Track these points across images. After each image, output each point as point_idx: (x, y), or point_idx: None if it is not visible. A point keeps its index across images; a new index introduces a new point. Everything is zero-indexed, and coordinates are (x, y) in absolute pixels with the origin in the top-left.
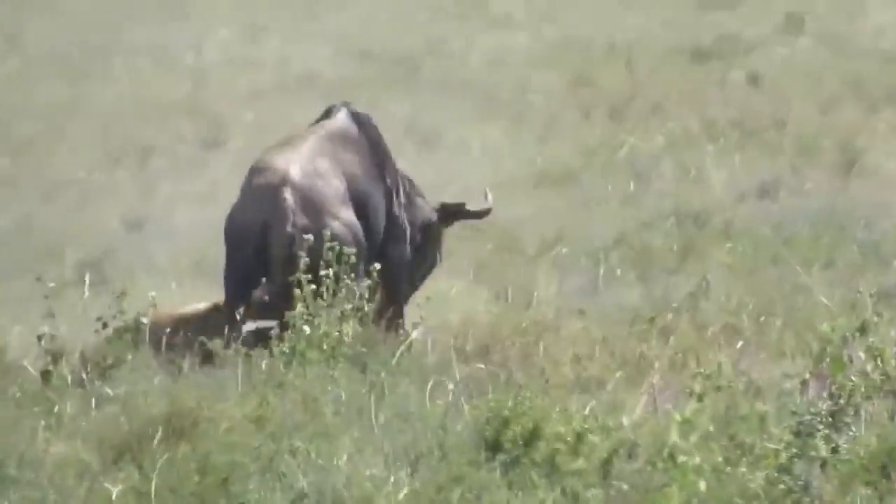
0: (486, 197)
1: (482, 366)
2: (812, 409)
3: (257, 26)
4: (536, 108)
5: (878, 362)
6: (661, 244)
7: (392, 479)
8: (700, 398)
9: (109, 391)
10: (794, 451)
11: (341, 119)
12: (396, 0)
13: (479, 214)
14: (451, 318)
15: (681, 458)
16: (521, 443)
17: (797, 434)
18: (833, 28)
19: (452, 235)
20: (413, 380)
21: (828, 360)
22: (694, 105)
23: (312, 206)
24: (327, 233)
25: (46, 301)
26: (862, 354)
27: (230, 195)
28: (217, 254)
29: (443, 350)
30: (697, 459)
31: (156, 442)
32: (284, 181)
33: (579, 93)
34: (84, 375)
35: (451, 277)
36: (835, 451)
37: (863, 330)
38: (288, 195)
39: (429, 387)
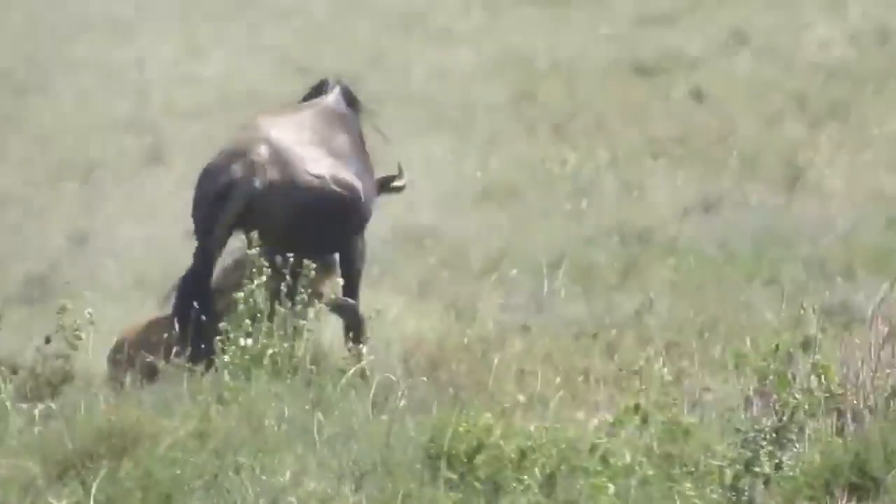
0: (400, 173)
1: (427, 381)
2: (756, 426)
3: (200, 43)
4: (479, 123)
5: (822, 379)
6: (605, 261)
7: (336, 495)
8: (644, 414)
9: (53, 407)
10: (739, 467)
11: (334, 97)
12: (338, 16)
13: (398, 189)
14: (395, 334)
15: (611, 459)
16: (465, 459)
17: (741, 451)
18: (776, 43)
19: (398, 251)
20: (358, 395)
21: (772, 376)
22: (637, 121)
23: (287, 164)
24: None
25: None
26: (806, 371)
27: (174, 211)
28: (161, 269)
29: (388, 366)
30: (627, 459)
31: (99, 458)
32: (264, 139)
33: (522, 108)
34: (29, 392)
35: (396, 293)
36: (778, 467)
37: (806, 346)
38: (263, 150)
39: (373, 402)
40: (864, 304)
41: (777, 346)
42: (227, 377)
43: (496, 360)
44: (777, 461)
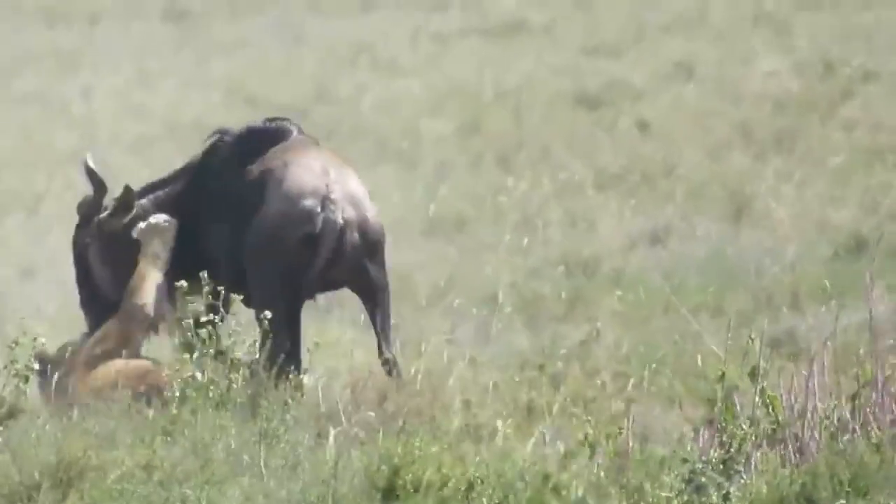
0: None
1: (373, 413)
2: (703, 457)
3: (147, 73)
4: (426, 154)
5: (769, 410)
6: (550, 292)
7: None
8: (591, 446)
9: (2, 439)
10: (686, 498)
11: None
12: (285, 47)
13: None
14: (342, 365)
15: (561, 491)
16: (412, 490)
17: (688, 481)
18: (722, 74)
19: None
20: (304, 427)
21: (718, 407)
22: (582, 152)
23: (357, 203)
24: (374, 226)
25: None
26: (752, 401)
27: None
28: None
29: (333, 398)
30: (576, 490)
31: (45, 491)
32: (332, 178)
33: (469, 139)
34: None
35: (341, 325)
36: (726, 498)
37: (753, 377)
38: (337, 189)
39: (319, 434)
40: (810, 334)
41: (723, 375)
42: (172, 409)
43: (442, 392)
44: (725, 492)
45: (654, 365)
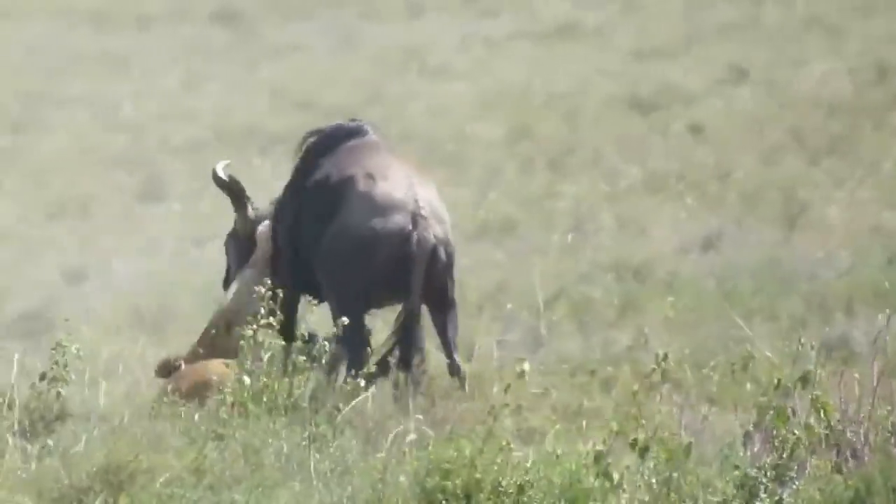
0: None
1: (423, 417)
2: (755, 463)
3: (196, 77)
4: (476, 158)
5: (822, 415)
6: (601, 296)
7: None
8: (642, 450)
9: (50, 442)
10: (739, 503)
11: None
12: (335, 52)
13: None
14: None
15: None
16: (461, 495)
17: (740, 487)
18: (775, 78)
19: None
20: (354, 432)
21: (771, 413)
22: (635, 156)
23: (441, 219)
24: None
25: None
26: (805, 406)
27: (169, 246)
28: (157, 305)
29: (384, 402)
30: (626, 494)
31: (95, 494)
32: (417, 193)
33: (519, 143)
34: (25, 428)
35: (389, 329)
36: None
37: (806, 382)
38: (424, 205)
39: (370, 439)
40: (863, 339)
41: (776, 381)
42: (223, 413)
43: (492, 396)
44: (777, 498)
45: (705, 370)
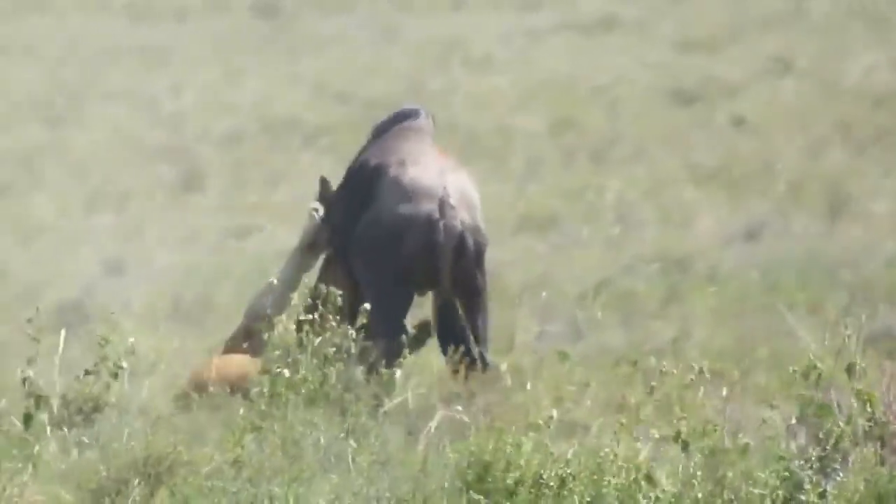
0: None
1: (461, 409)
2: (800, 455)
3: (235, 70)
4: (518, 151)
5: (866, 407)
6: (644, 288)
7: None
8: (684, 442)
9: (88, 435)
10: (782, 496)
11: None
12: (375, 45)
13: None
14: (433, 360)
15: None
16: (503, 487)
17: (784, 480)
18: (820, 69)
19: None
20: (394, 423)
21: (815, 404)
22: (678, 148)
23: (471, 207)
24: (483, 231)
25: (28, 344)
26: (849, 398)
27: (209, 239)
28: (197, 297)
29: (424, 393)
30: (669, 487)
31: (134, 486)
32: (446, 180)
33: (561, 135)
34: (64, 419)
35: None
36: (822, 496)
37: (850, 373)
38: (453, 192)
39: (409, 430)
40: None
41: (820, 373)
42: (261, 405)
43: (534, 388)
44: (821, 490)
45: (748, 361)
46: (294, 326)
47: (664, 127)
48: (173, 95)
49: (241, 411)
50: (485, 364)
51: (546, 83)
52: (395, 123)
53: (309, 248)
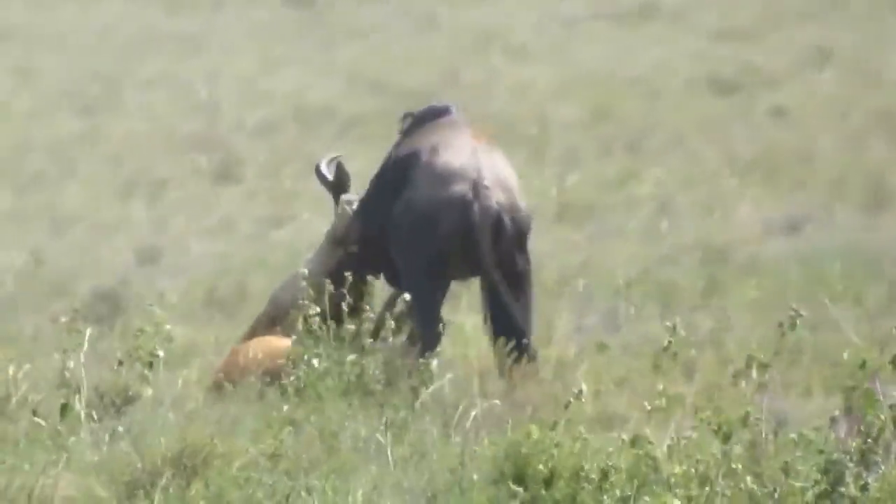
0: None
1: (499, 402)
2: (841, 447)
3: (271, 58)
4: (555, 140)
5: None
6: (684, 279)
7: None
8: (725, 435)
9: (122, 427)
10: (823, 488)
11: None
12: (411, 32)
13: None
14: (472, 352)
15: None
16: (542, 480)
17: (825, 472)
18: (860, 59)
19: None
20: (431, 415)
21: (857, 396)
22: (717, 138)
23: (509, 188)
24: (523, 211)
25: (63, 334)
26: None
27: (244, 228)
28: (231, 286)
29: (461, 386)
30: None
31: (168, 478)
32: (480, 161)
33: (599, 125)
34: (97, 410)
35: (467, 311)
36: (864, 489)
37: (893, 365)
38: (487, 174)
39: (447, 422)
40: None
41: (863, 363)
42: (297, 397)
43: (572, 380)
44: (863, 483)
45: (789, 354)
46: (324, 315)
47: (703, 117)
48: (208, 84)
49: (278, 404)
50: (526, 350)
51: (584, 73)
52: (426, 121)
53: (339, 241)
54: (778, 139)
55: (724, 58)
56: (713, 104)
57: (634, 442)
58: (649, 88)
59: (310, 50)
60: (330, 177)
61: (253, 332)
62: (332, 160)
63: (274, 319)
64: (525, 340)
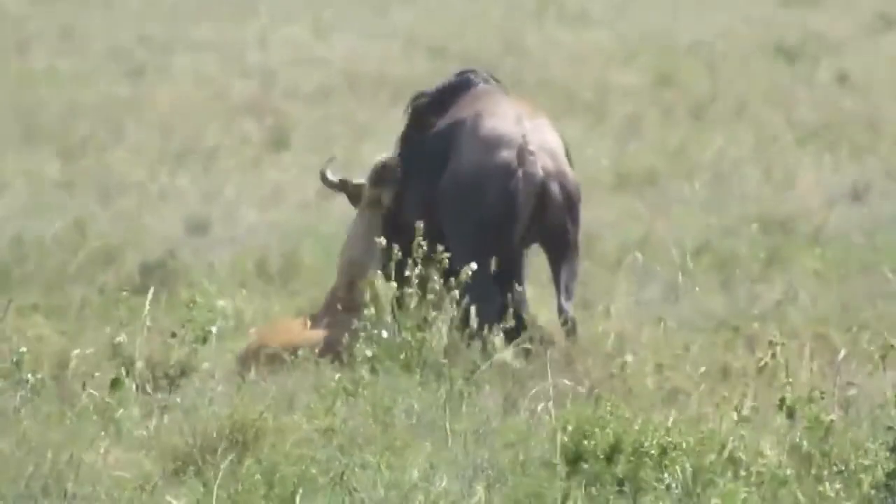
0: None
1: (562, 379)
2: None
3: (324, 23)
4: (615, 107)
5: None
6: (746, 250)
7: (468, 493)
8: (789, 410)
9: (176, 399)
10: (892, 467)
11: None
12: None
13: None
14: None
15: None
16: (602, 457)
17: (893, 450)
18: None
19: None
20: (491, 390)
21: None
22: (780, 105)
23: (555, 155)
24: (570, 177)
25: (113, 306)
26: None
27: (296, 197)
28: (282, 257)
29: (523, 358)
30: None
31: (220, 453)
32: (521, 122)
33: (660, 92)
34: (149, 384)
35: (528, 283)
36: None
37: None
38: (532, 137)
39: (506, 398)
40: None
41: None
42: (356, 370)
43: (633, 355)
44: None
45: (854, 327)
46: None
47: (766, 84)
48: (260, 49)
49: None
50: (568, 322)
51: (645, 38)
52: (460, 92)
53: (370, 205)
54: (842, 106)
55: (788, 24)
56: (777, 70)
57: (698, 420)
58: (712, 55)
59: (365, 14)
60: (336, 181)
61: (332, 303)
62: (328, 161)
63: (351, 282)
64: (567, 308)
